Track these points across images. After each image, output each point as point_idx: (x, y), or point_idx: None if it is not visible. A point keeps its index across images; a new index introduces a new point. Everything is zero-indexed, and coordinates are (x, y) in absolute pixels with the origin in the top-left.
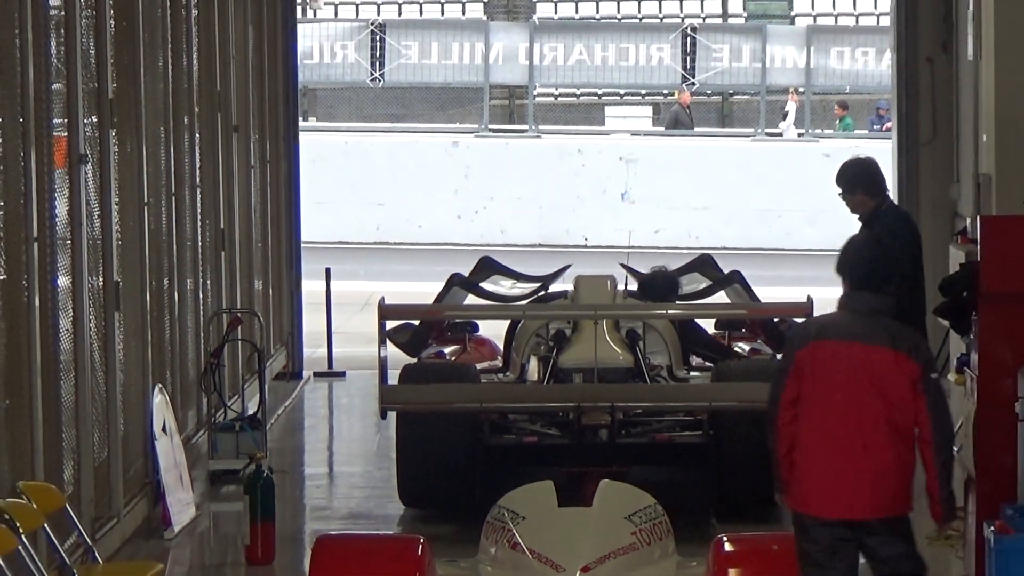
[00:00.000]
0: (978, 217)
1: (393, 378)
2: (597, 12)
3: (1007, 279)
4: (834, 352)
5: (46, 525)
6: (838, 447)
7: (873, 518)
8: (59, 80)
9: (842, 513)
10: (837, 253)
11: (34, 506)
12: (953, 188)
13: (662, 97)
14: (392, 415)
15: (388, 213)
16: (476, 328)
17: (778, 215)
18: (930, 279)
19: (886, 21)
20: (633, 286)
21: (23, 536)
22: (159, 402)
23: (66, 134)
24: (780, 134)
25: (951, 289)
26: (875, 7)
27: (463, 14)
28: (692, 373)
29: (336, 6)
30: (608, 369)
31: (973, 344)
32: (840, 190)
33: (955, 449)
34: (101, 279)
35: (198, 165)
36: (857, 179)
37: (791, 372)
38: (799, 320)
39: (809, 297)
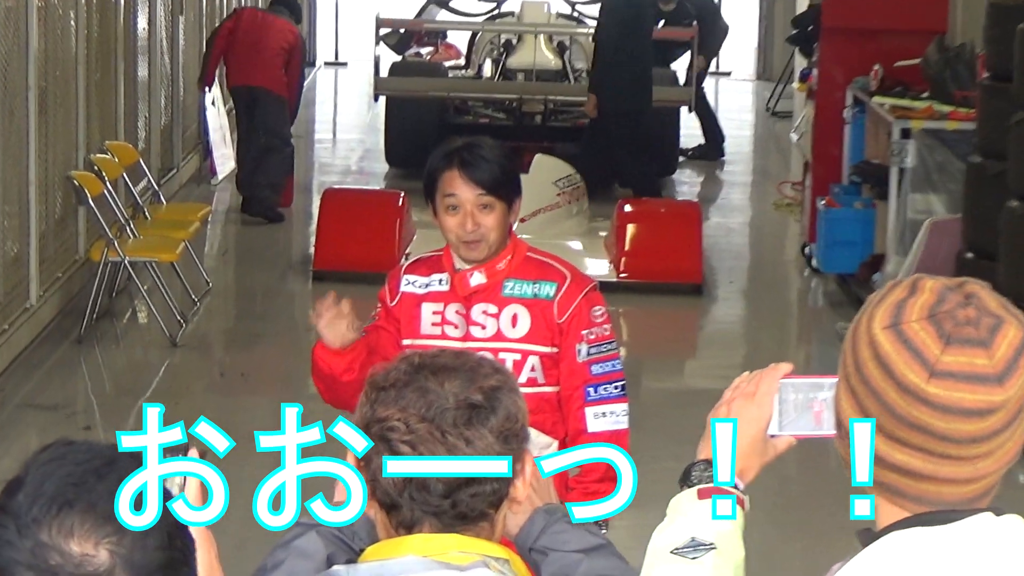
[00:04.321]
0: None
1: (384, 71)
2: None
3: (843, 17)
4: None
5: (124, 175)
6: None
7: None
8: None
9: None
10: None
11: (116, 160)
12: None
13: None
14: (382, 99)
15: None
16: (446, 36)
17: None
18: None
19: None
20: (564, 9)
21: (108, 182)
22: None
23: None
24: None
25: (801, 23)
26: None
27: None
28: None
29: None
30: (543, 70)
31: (814, 64)
32: None
33: (795, 138)
34: None
35: None
36: None
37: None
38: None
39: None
